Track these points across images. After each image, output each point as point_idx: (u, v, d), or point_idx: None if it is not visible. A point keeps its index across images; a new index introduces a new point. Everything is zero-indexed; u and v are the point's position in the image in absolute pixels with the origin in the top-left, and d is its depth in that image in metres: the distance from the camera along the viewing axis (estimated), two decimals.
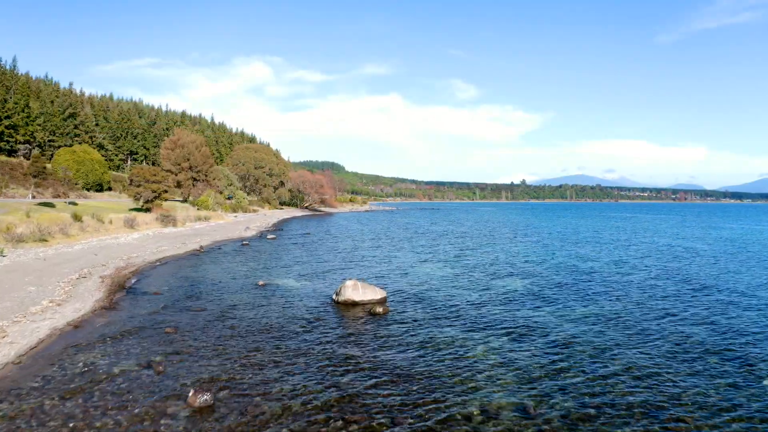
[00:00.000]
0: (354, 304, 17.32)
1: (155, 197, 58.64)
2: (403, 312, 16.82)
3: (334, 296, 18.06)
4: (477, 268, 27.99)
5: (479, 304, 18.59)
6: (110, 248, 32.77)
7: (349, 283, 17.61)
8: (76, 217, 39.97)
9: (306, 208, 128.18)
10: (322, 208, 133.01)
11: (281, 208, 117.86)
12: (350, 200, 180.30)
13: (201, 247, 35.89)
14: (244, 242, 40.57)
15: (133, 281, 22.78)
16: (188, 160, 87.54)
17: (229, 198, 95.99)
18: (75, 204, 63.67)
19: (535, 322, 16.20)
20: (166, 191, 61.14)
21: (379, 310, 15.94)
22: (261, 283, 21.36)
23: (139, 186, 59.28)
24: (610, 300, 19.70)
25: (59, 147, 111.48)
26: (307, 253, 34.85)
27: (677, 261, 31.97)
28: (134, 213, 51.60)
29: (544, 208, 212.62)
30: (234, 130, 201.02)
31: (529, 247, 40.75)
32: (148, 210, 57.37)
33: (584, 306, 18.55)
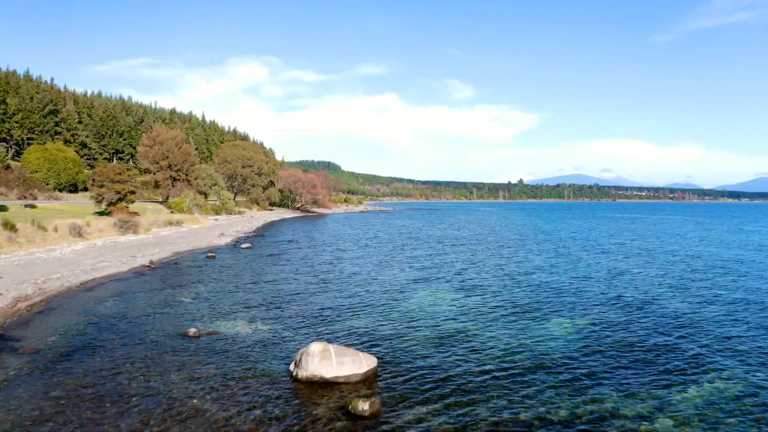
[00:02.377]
0: (323, 383, 10.57)
1: (119, 199, 51.79)
2: (406, 407, 9.99)
3: (292, 368, 11.29)
4: (498, 297, 21.29)
5: (520, 376, 11.89)
6: (32, 265, 25.94)
7: (315, 348, 10.82)
8: (7, 225, 33.07)
9: (298, 209, 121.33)
10: (315, 209, 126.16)
11: (271, 209, 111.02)
12: (345, 200, 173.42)
13: (151, 262, 29.08)
14: (210, 254, 33.74)
15: (17, 323, 16.02)
16: (167, 158, 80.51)
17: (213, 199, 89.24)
18: (33, 207, 56.80)
19: None
20: (133, 192, 54.24)
21: (364, 407, 9.09)
22: (193, 332, 14.58)
23: (101, 186, 52.45)
24: (732, 368, 13.03)
25: (43, 144, 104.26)
26: (279, 271, 28.08)
27: (749, 280, 25.31)
28: (90, 218, 44.73)
29: (545, 208, 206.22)
30: (227, 129, 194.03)
31: (550, 259, 34.05)
32: (110, 213, 50.50)
33: (690, 387, 11.88)
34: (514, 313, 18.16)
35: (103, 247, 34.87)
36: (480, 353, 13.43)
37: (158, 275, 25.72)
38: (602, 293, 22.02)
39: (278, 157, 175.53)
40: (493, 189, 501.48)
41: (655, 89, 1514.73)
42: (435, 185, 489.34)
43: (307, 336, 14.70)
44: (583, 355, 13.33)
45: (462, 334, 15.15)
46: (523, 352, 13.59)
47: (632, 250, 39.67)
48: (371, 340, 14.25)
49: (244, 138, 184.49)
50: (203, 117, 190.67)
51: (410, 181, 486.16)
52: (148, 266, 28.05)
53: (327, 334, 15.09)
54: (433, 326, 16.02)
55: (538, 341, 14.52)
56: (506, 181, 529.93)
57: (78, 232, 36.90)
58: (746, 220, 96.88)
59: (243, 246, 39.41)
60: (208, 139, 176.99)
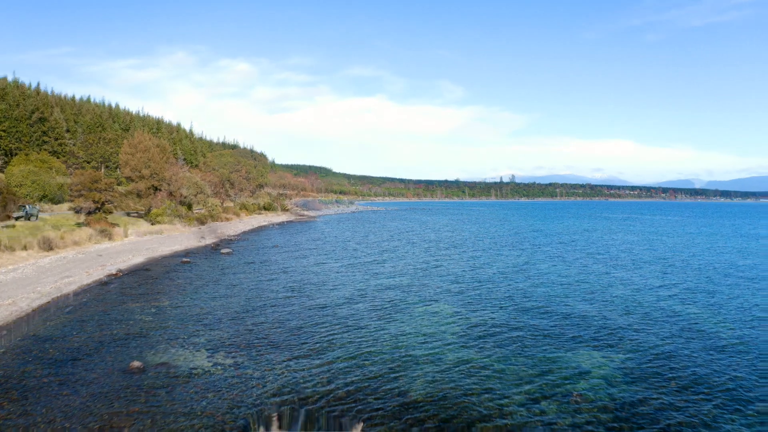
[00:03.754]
0: None
1: (97, 209, 50.25)
2: None
3: None
4: (510, 318, 18.94)
5: None
6: None
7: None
8: None
9: (287, 212, 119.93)
10: (305, 212, 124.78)
11: (261, 214, 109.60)
12: (336, 202, 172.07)
13: (119, 270, 27.74)
14: (185, 259, 32.37)
15: None
16: (149, 166, 78.93)
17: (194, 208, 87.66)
18: (13, 227, 55.26)
19: None
20: (111, 202, 52.71)
21: None
22: (136, 365, 13.08)
23: (80, 196, 50.87)
24: None
25: (27, 155, 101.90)
26: (255, 283, 26.42)
27: None
28: (65, 230, 43.22)
29: (539, 208, 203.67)
30: (216, 140, 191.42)
31: (558, 269, 31.40)
32: (89, 224, 48.98)
33: None
34: (531, 341, 15.83)
35: (73, 260, 33.42)
36: (500, 400, 11.32)
37: (120, 287, 24.24)
38: (627, 313, 19.52)
39: (268, 160, 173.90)
40: (485, 188, 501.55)
41: (645, 89, 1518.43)
42: (427, 185, 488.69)
43: (273, 378, 12.77)
44: (633, 415, 10.90)
45: (472, 375, 12.91)
46: (555, 402, 11.42)
47: (644, 257, 37.09)
48: (357, 388, 11.83)
49: (234, 146, 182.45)
50: (191, 129, 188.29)
51: (402, 180, 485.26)
52: (115, 275, 26.68)
53: (299, 370, 13.27)
54: (436, 365, 13.50)
55: (569, 384, 12.33)
56: (498, 181, 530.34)
57: (48, 246, 35.46)
58: (745, 222, 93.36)
59: (222, 252, 38.06)
60: (196, 150, 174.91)
